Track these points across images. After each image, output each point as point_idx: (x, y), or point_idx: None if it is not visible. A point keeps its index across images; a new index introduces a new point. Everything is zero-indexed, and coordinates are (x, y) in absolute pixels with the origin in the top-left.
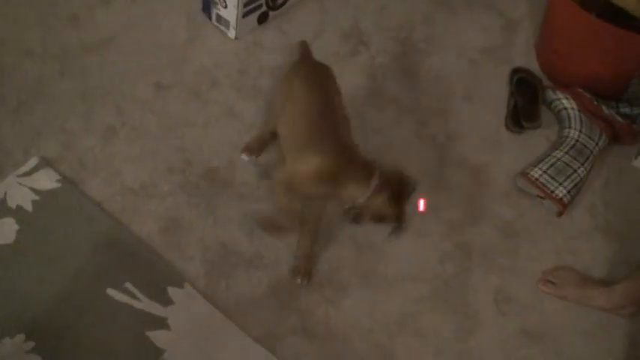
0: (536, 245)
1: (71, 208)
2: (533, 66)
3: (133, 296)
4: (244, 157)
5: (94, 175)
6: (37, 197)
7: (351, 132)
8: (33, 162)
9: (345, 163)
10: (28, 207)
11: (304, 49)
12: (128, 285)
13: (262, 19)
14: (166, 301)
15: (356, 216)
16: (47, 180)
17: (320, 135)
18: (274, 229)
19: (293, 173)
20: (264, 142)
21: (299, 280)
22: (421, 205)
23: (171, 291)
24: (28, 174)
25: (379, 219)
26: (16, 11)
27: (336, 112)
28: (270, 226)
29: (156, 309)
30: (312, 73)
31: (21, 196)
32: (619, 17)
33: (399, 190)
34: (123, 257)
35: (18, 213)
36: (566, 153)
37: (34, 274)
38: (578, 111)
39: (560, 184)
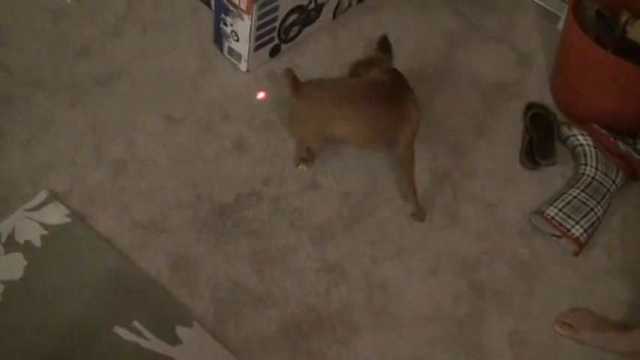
0: (552, 285)
1: (80, 244)
2: (548, 101)
3: (141, 335)
4: (302, 167)
5: (103, 209)
6: (45, 232)
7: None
8: (42, 196)
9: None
10: (37, 242)
11: (292, 78)
12: (136, 323)
13: (274, 51)
14: (174, 341)
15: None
16: (56, 214)
17: (382, 95)
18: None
19: None
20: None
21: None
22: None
23: (180, 330)
24: (37, 208)
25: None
26: (27, 43)
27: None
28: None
29: (164, 348)
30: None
31: (29, 231)
32: (635, 52)
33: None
34: (131, 294)
35: (26, 248)
36: (583, 191)
37: (42, 311)
38: (595, 148)
39: (577, 222)
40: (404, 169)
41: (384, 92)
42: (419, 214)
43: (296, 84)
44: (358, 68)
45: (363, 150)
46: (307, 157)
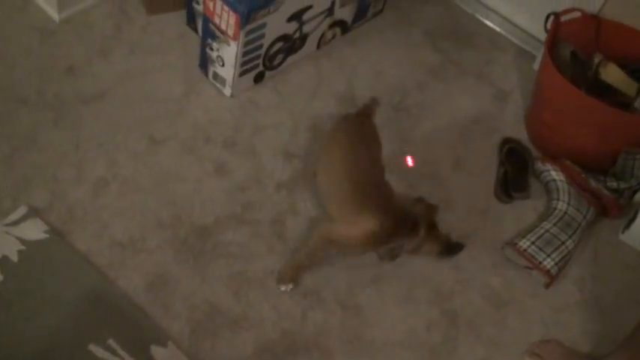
0: (524, 316)
1: (57, 261)
2: (523, 136)
3: (115, 353)
4: (284, 288)
5: (83, 227)
6: (23, 247)
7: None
8: (22, 211)
9: (398, 223)
10: (14, 257)
11: (367, 108)
12: (111, 342)
13: (258, 78)
14: None
15: (394, 255)
16: (35, 230)
17: (371, 197)
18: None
19: (346, 236)
20: (300, 269)
21: (282, 287)
22: (409, 161)
23: (155, 349)
24: (15, 223)
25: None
26: (13, 59)
27: (379, 167)
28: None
29: None
30: (355, 126)
31: (7, 246)
32: (608, 92)
33: (435, 226)
34: (107, 312)
35: (3, 263)
36: (555, 225)
37: (17, 327)
38: (567, 183)
39: (548, 255)
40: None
41: (383, 201)
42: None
43: (367, 112)
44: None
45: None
46: (292, 277)
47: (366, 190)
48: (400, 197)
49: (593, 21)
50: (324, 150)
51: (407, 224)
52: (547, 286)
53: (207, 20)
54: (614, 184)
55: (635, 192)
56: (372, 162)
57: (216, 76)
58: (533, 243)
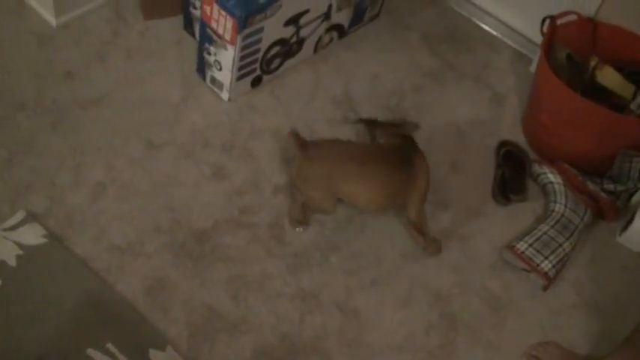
0: (522, 319)
1: (56, 265)
2: (520, 139)
3: (114, 357)
4: (300, 229)
5: (81, 231)
6: (21, 252)
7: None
8: (20, 216)
9: (415, 148)
10: (12, 262)
11: (298, 139)
12: (109, 346)
13: (256, 82)
14: None
15: None
16: (33, 235)
17: (402, 159)
18: None
19: (426, 181)
20: (307, 211)
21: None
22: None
23: (153, 353)
24: (14, 228)
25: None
26: (11, 65)
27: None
28: None
29: None
30: (324, 147)
31: (5, 251)
32: (604, 95)
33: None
34: (106, 317)
35: (1, 268)
36: (552, 227)
37: (15, 332)
38: (564, 186)
39: (546, 257)
40: (414, 229)
41: (395, 156)
42: (432, 248)
43: (303, 144)
44: (375, 127)
45: (370, 213)
46: (302, 219)
47: (393, 158)
48: (390, 138)
49: (590, 24)
50: (353, 185)
51: (415, 143)
52: (545, 288)
53: (204, 25)
54: (611, 187)
55: (632, 194)
56: (362, 146)
57: (213, 80)
58: (530, 245)
